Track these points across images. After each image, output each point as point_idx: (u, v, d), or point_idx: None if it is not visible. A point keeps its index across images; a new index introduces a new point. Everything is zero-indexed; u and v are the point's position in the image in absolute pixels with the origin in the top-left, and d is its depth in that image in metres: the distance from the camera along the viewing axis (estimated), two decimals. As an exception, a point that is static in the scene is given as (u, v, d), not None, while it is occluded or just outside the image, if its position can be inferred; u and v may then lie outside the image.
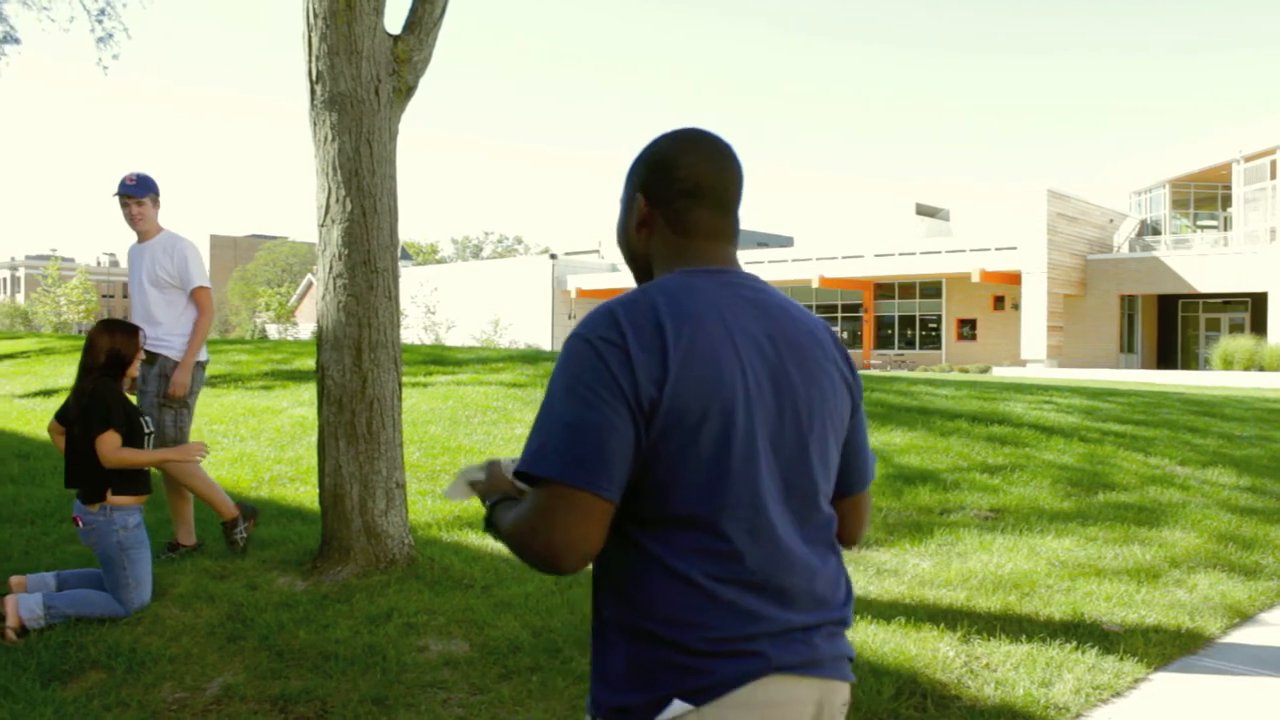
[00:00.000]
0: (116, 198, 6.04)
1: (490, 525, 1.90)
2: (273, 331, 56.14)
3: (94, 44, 22.47)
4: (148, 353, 5.71)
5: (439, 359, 15.87)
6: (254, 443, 10.04)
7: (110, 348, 5.11)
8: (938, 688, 4.20)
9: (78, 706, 3.95)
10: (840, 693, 1.84)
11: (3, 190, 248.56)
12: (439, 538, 6.47)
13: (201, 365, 6.19)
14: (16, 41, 31.05)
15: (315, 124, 5.74)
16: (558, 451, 1.66)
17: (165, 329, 6.01)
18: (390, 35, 5.82)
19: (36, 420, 11.78)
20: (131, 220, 6.03)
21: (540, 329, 57.21)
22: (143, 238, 6.12)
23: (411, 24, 5.94)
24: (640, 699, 1.70)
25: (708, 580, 1.71)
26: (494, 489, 1.99)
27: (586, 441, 1.65)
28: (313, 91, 5.73)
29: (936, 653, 4.50)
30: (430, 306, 50.00)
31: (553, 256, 62.22)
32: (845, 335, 53.78)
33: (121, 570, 4.91)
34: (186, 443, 5.91)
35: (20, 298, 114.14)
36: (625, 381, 1.66)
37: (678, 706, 1.68)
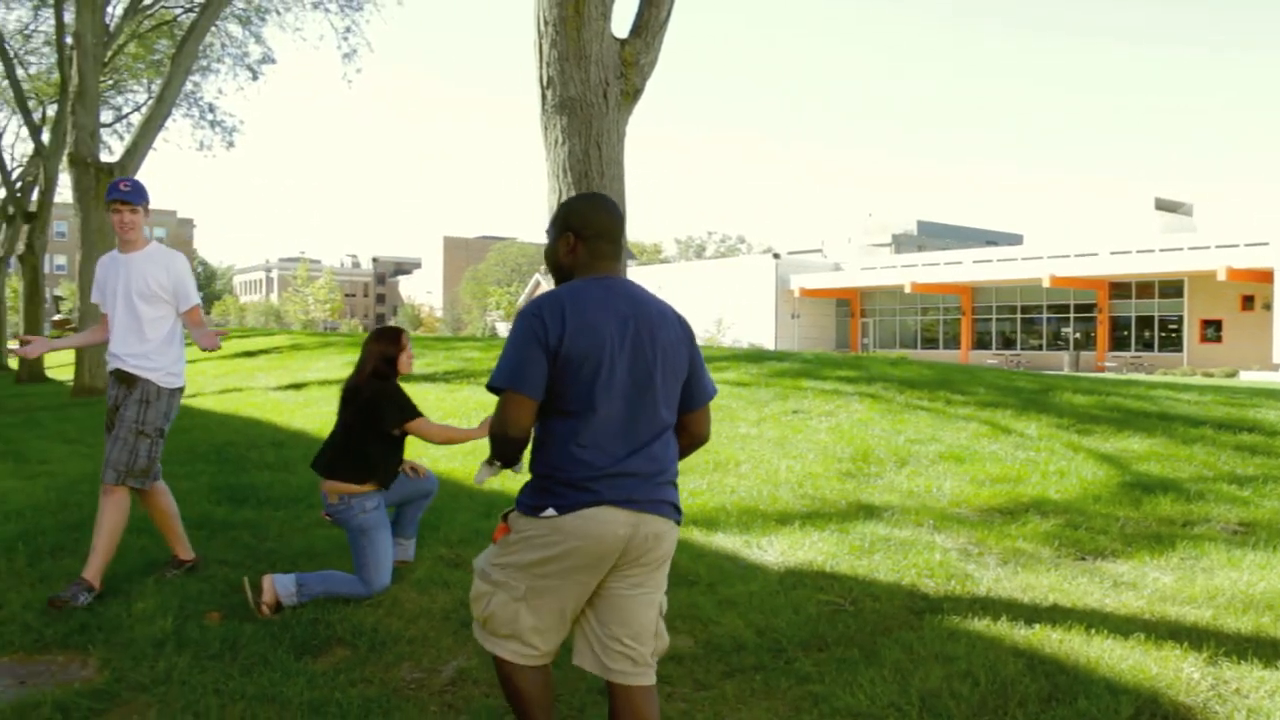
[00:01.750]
0: (107, 205, 5.57)
1: (495, 463, 3.23)
2: (502, 329, 58.03)
3: (340, 59, 23.56)
4: (126, 375, 5.50)
5: (663, 357, 16.02)
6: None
7: (379, 352, 5.44)
8: (1181, 711, 3.95)
9: (326, 680, 4.20)
10: (652, 524, 3.12)
11: (258, 198, 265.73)
12: (664, 533, 6.53)
13: (178, 392, 5.71)
14: (273, 61, 33.11)
15: (546, 128, 5.90)
16: (507, 373, 3.02)
17: (153, 348, 5.56)
18: (617, 39, 5.93)
19: (289, 411, 12.56)
20: (122, 229, 5.53)
21: (763, 328, 57.09)
22: (127, 248, 5.62)
23: (638, 28, 6.04)
24: (534, 503, 3.08)
25: (574, 447, 3.04)
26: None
27: (522, 368, 3.01)
28: (543, 96, 5.89)
29: (1179, 673, 4.23)
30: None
31: (776, 256, 62.02)
32: (1077, 335, 51.47)
33: (363, 552, 5.24)
34: (157, 471, 5.67)
35: (274, 297, 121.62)
36: (543, 338, 3.01)
37: (549, 512, 3.03)
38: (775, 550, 6.10)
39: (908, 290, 55.37)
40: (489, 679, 4.21)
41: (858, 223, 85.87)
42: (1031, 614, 4.90)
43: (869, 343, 60.21)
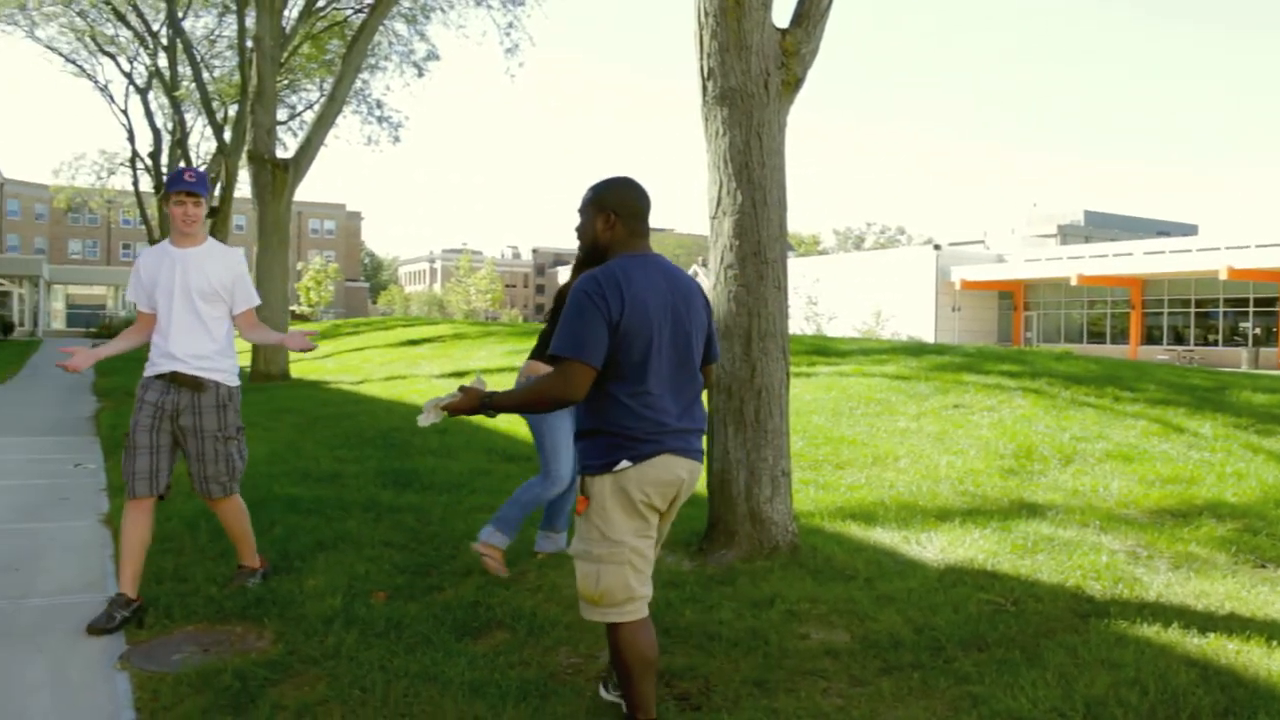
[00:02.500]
0: (167, 196, 5.24)
1: (493, 408, 3.51)
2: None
3: (502, 54, 24.09)
4: (193, 379, 5.17)
5: (822, 349, 15.90)
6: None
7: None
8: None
9: (486, 661, 4.29)
10: (697, 469, 3.58)
11: (423, 191, 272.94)
12: (821, 527, 6.49)
13: (239, 390, 5.40)
14: (437, 58, 33.96)
15: (706, 119, 5.91)
16: (571, 343, 3.31)
17: (219, 349, 5.28)
18: (778, 29, 5.89)
19: (444, 394, 12.85)
20: (185, 221, 5.20)
21: (923, 321, 56.01)
22: (185, 242, 5.27)
23: (799, 17, 5.98)
24: (607, 460, 3.40)
25: (639, 408, 3.40)
26: (472, 398, 3.55)
27: (585, 339, 3.31)
28: (704, 88, 5.89)
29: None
30: (812, 297, 50.17)
31: (936, 247, 60.70)
32: (1257, 331, 48.96)
33: (542, 440, 5.58)
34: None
35: (437, 287, 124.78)
36: (605, 312, 3.32)
37: (625, 464, 3.38)
38: (934, 547, 6.00)
39: (1074, 282, 53.51)
40: (644, 666, 4.26)
41: (1021, 213, 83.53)
42: (1205, 622, 4.70)
43: (1032, 336, 58.46)
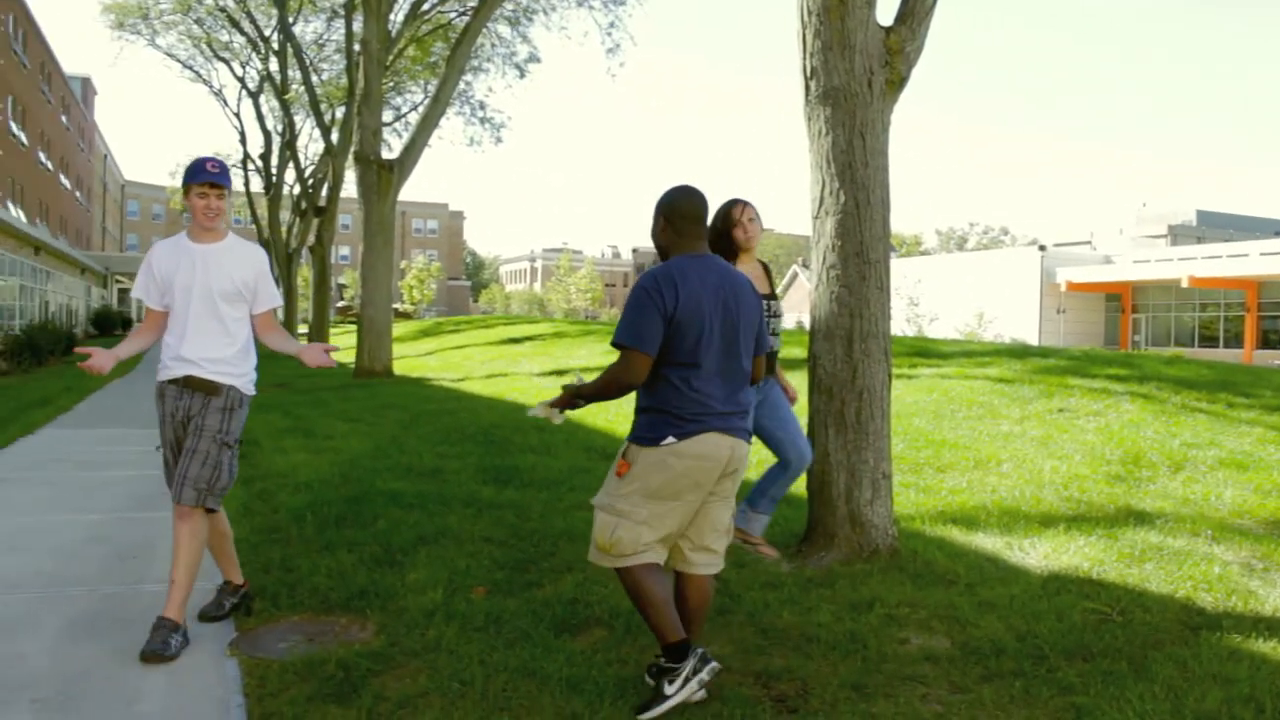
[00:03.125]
0: (188, 188, 4.82)
1: (580, 398, 4.07)
2: (758, 321, 57.96)
3: (603, 54, 24.28)
4: (207, 382, 4.78)
5: (924, 351, 15.70)
6: (741, 428, 10.45)
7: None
8: None
9: (583, 658, 4.32)
10: (740, 447, 3.94)
11: (524, 191, 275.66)
12: (922, 531, 6.41)
13: (249, 399, 5.00)
14: (538, 60, 34.29)
15: (809, 119, 5.87)
16: (631, 334, 3.78)
17: (236, 353, 4.88)
18: (882, 27, 5.83)
19: (551, 396, 12.96)
20: (208, 215, 4.80)
21: (1027, 323, 54.91)
22: (206, 237, 4.88)
23: (903, 15, 5.91)
24: (655, 435, 3.81)
25: (688, 391, 3.81)
26: (567, 394, 4.11)
27: (643, 330, 3.77)
28: (807, 87, 5.86)
29: None
30: (913, 298, 49.57)
31: (1041, 248, 59.46)
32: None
33: (767, 436, 5.56)
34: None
35: (537, 286, 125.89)
36: (660, 306, 3.77)
37: (670, 440, 3.78)
38: (1038, 553, 5.89)
39: (1185, 284, 51.95)
40: (741, 667, 4.26)
41: (1130, 213, 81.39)
42: (1326, 636, 4.54)
43: (1140, 340, 56.91)
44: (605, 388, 3.93)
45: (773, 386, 5.59)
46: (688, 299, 3.79)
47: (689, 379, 3.82)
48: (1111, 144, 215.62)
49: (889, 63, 5.80)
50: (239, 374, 4.87)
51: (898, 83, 5.85)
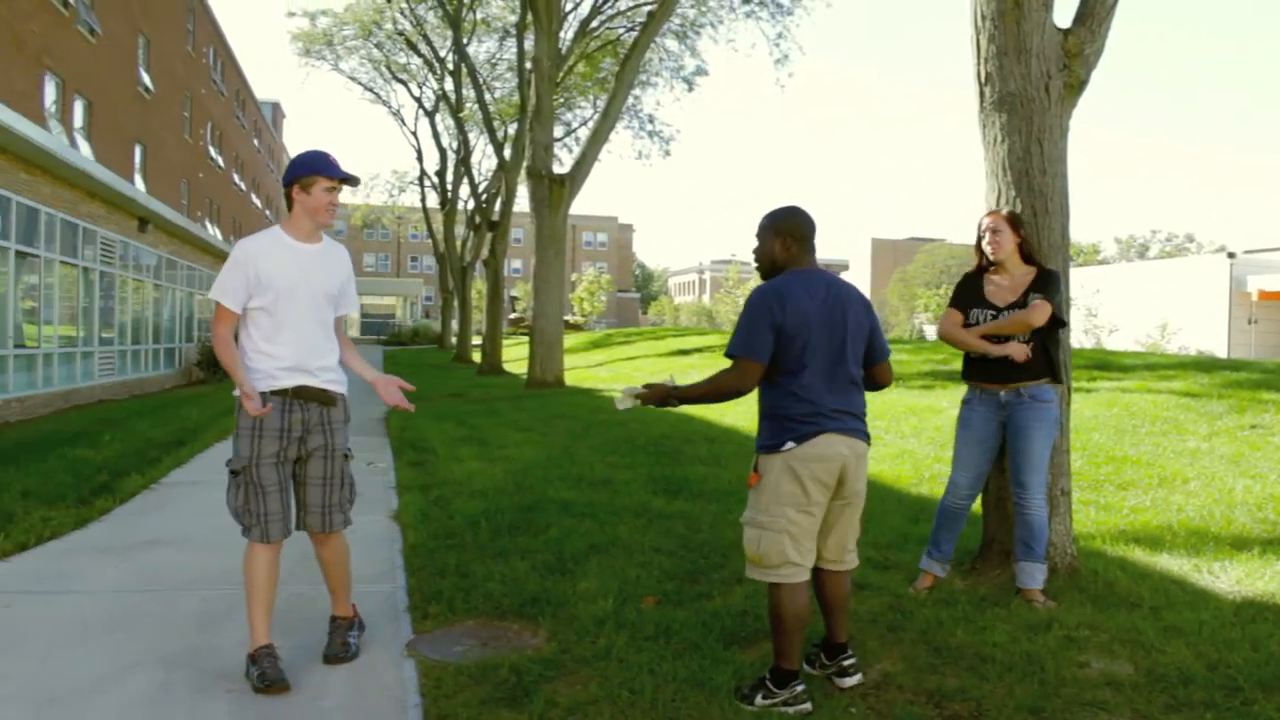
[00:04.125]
0: (312, 180, 4.46)
1: (679, 399, 4.22)
2: (930, 332, 56.86)
3: (771, 65, 24.25)
4: (327, 393, 4.52)
5: (1103, 364, 15.14)
6: (914, 440, 10.29)
7: None
8: None
9: (753, 670, 4.31)
10: (859, 446, 4.11)
11: (692, 202, 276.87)
12: (1102, 550, 6.18)
13: None
14: (706, 73, 34.44)
15: (984, 125, 5.75)
16: (744, 345, 4.03)
17: (337, 357, 4.64)
18: (1059, 29, 5.66)
19: (720, 408, 12.99)
20: (331, 213, 4.50)
21: (1215, 334, 52.25)
22: (313, 237, 4.56)
23: (1082, 16, 5.73)
24: (775, 442, 4.04)
25: (798, 397, 4.02)
26: (660, 391, 4.24)
27: (755, 341, 4.02)
28: (981, 94, 5.74)
29: None
30: (1091, 309, 47.87)
31: (1230, 255, 56.51)
32: None
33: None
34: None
35: (706, 298, 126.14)
36: (770, 319, 4.01)
37: (790, 445, 3.98)
38: (1229, 578, 5.61)
39: (1395, 293, 48.71)
40: (913, 685, 4.19)
41: (1334, 218, 76.69)
42: None
43: (1345, 352, 53.61)
44: (711, 392, 4.15)
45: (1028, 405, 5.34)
46: (794, 311, 4.03)
47: (800, 386, 4.03)
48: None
49: (1067, 66, 5.63)
50: (343, 379, 4.64)
51: (1076, 86, 5.67)
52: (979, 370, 5.40)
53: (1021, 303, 5.29)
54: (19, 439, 12.48)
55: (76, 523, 7.40)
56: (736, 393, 4.12)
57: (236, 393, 4.39)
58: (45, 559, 6.41)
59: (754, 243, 4.35)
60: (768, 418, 4.13)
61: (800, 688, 4.01)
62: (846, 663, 4.25)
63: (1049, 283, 5.33)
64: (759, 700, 3.99)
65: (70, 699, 4.14)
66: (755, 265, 4.38)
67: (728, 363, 4.10)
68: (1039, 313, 5.18)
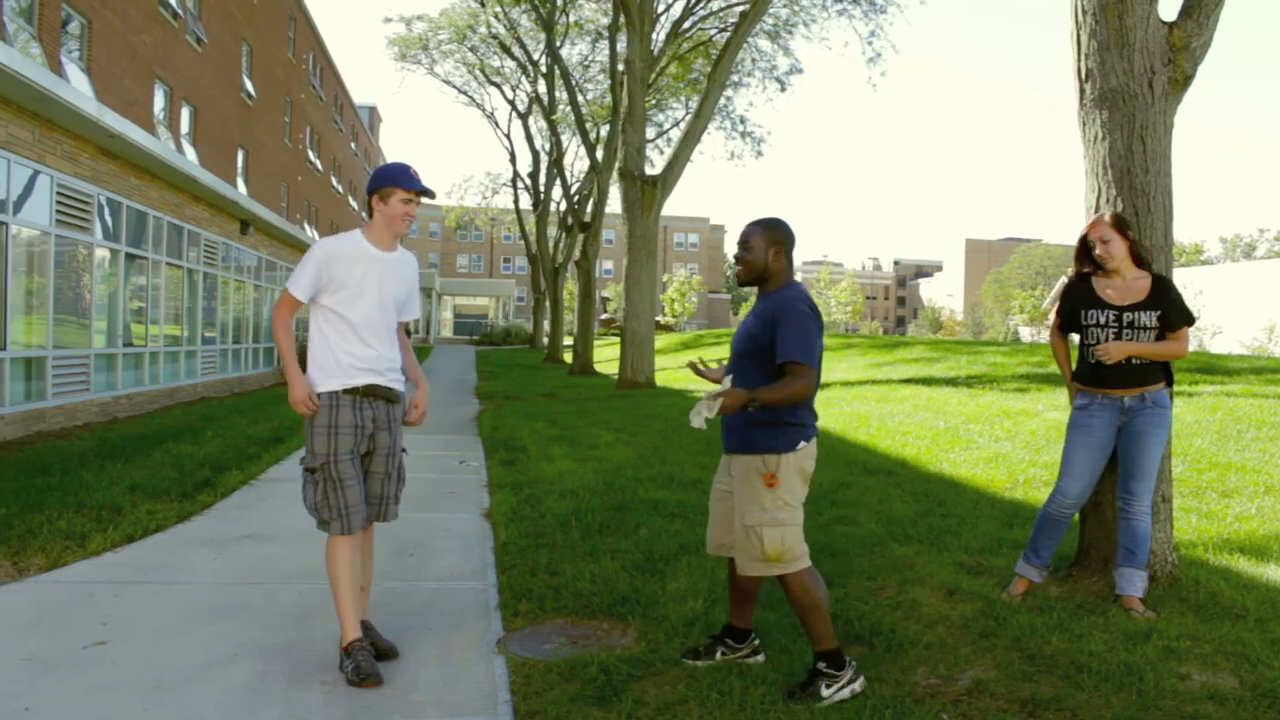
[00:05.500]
0: (390, 191, 4.67)
1: (756, 403, 4.02)
2: (1025, 334, 55.87)
3: (864, 64, 24.06)
4: (393, 391, 4.74)
5: (1207, 367, 14.74)
6: (1009, 444, 10.10)
7: None
8: None
9: (844, 675, 4.26)
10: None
11: (783, 203, 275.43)
12: (1205, 559, 6.01)
13: None
14: (800, 71, 34.24)
15: (1084, 123, 5.63)
16: (809, 353, 4.10)
17: (400, 361, 4.84)
18: (1164, 23, 5.52)
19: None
20: (407, 223, 4.72)
21: (1328, 337, 50.50)
22: (390, 244, 4.77)
23: (1189, 8, 5.57)
24: (790, 442, 4.19)
25: (810, 401, 4.23)
26: (739, 397, 3.99)
27: (815, 350, 4.16)
28: (1081, 90, 5.62)
29: None
30: (1194, 310, 46.55)
31: (1347, 255, 54.55)
32: None
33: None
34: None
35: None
36: (819, 325, 4.22)
37: (803, 444, 4.21)
38: (1342, 588, 5.41)
39: None
40: (1006, 693, 4.11)
41: None
42: None
43: None
44: (787, 398, 4.10)
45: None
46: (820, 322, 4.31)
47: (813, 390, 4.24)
48: None
49: (1172, 60, 5.48)
50: (403, 380, 4.86)
51: (1182, 82, 5.52)
52: (1101, 375, 5.26)
53: (1147, 304, 5.18)
54: (127, 434, 12.87)
55: (180, 516, 7.63)
56: (807, 399, 4.21)
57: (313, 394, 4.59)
58: (151, 551, 6.62)
59: (754, 245, 4.34)
60: (781, 422, 4.21)
61: (852, 661, 4.23)
62: (757, 642, 4.61)
63: (1166, 295, 5.23)
64: (828, 691, 4.07)
65: (176, 685, 4.26)
66: (736, 269, 4.43)
67: (827, 362, 4.20)
68: (1184, 345, 5.33)
